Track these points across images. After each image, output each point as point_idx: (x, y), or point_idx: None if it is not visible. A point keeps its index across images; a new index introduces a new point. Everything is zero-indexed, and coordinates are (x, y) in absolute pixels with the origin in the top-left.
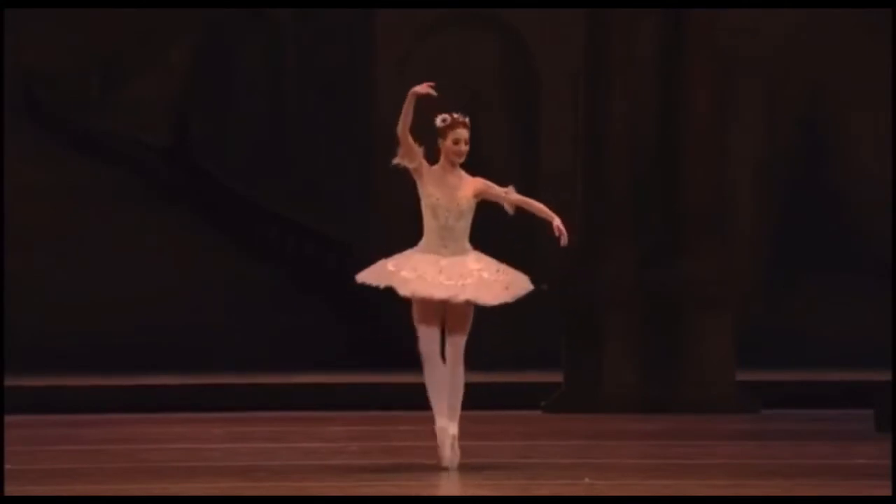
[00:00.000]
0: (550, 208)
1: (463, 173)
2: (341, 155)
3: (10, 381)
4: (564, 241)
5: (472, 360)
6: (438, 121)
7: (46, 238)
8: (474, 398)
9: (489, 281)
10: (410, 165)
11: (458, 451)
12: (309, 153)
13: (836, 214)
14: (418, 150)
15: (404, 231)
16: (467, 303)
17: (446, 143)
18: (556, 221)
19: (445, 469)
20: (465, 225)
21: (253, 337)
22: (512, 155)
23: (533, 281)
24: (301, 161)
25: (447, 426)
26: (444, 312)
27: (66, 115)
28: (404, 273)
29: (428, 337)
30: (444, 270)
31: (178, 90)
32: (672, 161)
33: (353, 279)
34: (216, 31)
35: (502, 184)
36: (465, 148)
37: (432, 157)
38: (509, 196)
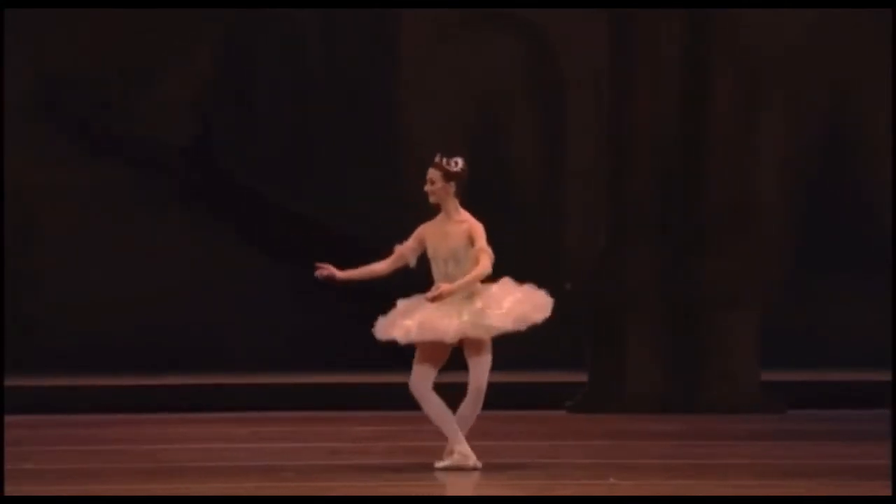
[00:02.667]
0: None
1: (463, 218)
2: (364, 155)
3: (35, 381)
4: (427, 297)
5: (496, 360)
6: (455, 167)
7: (69, 238)
8: (498, 398)
9: (488, 315)
10: (420, 250)
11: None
12: (331, 154)
13: (861, 214)
14: (409, 246)
15: None
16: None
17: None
18: (444, 288)
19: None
20: (463, 270)
21: (278, 336)
22: (536, 155)
23: (560, 281)
24: (323, 161)
25: (466, 451)
26: (443, 356)
27: (85, 116)
28: (407, 322)
29: (418, 378)
30: (445, 313)
31: (199, 91)
32: (696, 161)
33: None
34: (238, 32)
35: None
36: (428, 188)
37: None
38: (475, 255)
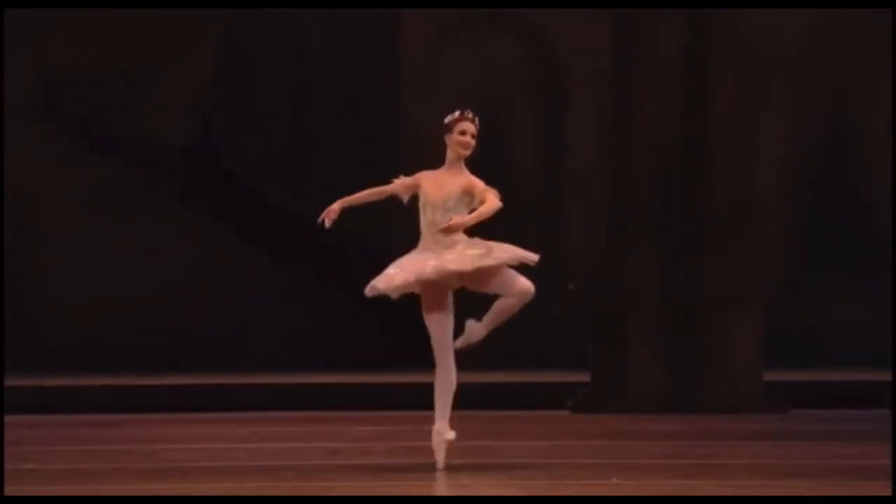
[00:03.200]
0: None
1: (465, 173)
2: (364, 155)
3: (37, 381)
4: (440, 231)
5: (499, 360)
6: (446, 118)
7: (69, 238)
8: (500, 398)
9: (472, 254)
10: (414, 191)
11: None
12: (333, 153)
13: (861, 214)
14: (406, 183)
15: None
16: (456, 274)
17: (453, 136)
18: (456, 219)
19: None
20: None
21: (278, 336)
22: (537, 155)
23: (559, 287)
24: (323, 161)
25: (443, 430)
26: (444, 296)
27: (86, 116)
28: (390, 270)
29: (436, 323)
30: (432, 259)
31: (200, 91)
32: (697, 161)
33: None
34: (239, 32)
35: (529, 185)
36: (470, 140)
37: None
38: (481, 195)
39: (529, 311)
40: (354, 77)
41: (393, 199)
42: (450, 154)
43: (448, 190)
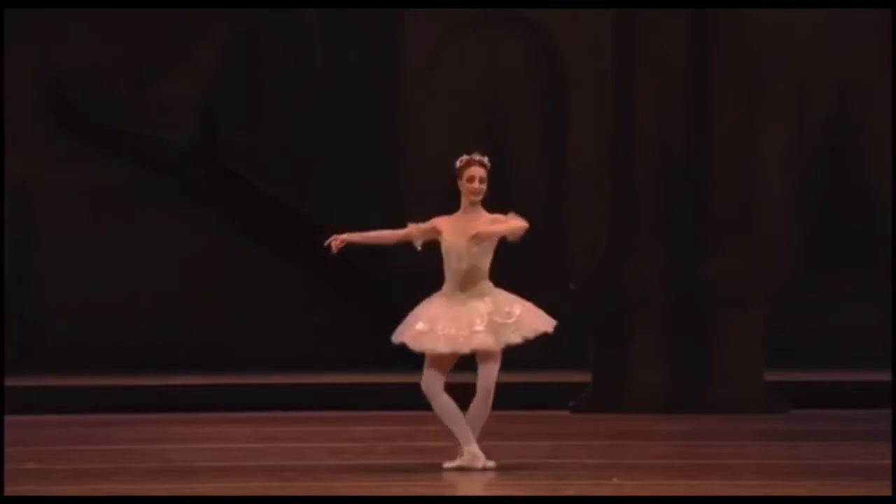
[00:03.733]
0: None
1: (482, 214)
2: (369, 155)
3: (41, 381)
4: (476, 235)
5: (502, 360)
6: (457, 162)
7: (73, 237)
8: (502, 398)
9: (498, 324)
10: (432, 237)
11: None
12: (336, 153)
13: (864, 214)
14: (421, 228)
15: None
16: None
17: (462, 183)
18: (486, 229)
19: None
20: (477, 266)
21: (281, 337)
22: (540, 155)
23: (564, 284)
24: (328, 161)
25: (476, 451)
26: (452, 359)
27: (94, 116)
28: (419, 326)
29: (430, 380)
30: (456, 319)
31: (205, 91)
32: (700, 160)
33: (380, 278)
34: (244, 31)
35: (530, 184)
36: (479, 186)
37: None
38: (505, 226)
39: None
40: (356, 77)
41: (405, 245)
42: (462, 200)
43: (464, 238)
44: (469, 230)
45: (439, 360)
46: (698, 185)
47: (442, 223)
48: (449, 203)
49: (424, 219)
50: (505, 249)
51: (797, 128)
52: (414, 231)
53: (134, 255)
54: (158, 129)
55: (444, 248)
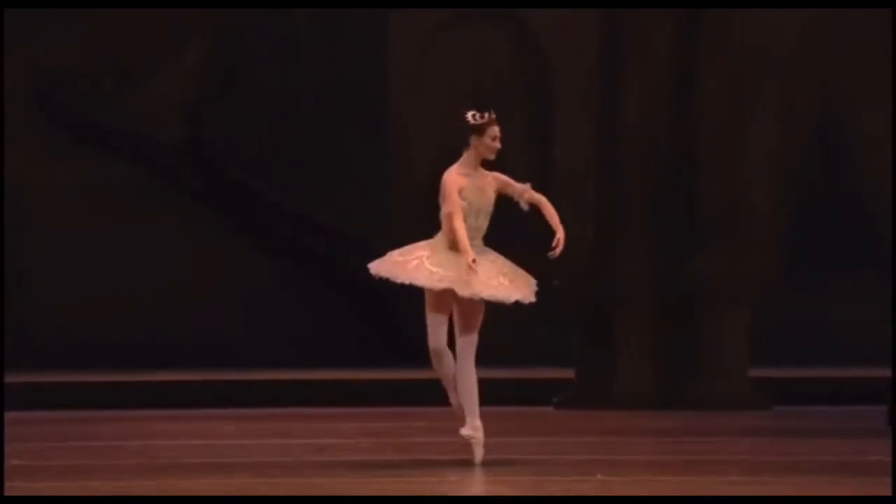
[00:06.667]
0: (560, 217)
1: (486, 172)
2: (355, 152)
3: (25, 378)
4: (555, 254)
5: (484, 356)
6: (473, 118)
7: (61, 235)
8: (486, 395)
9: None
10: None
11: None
12: (323, 151)
13: (851, 213)
14: (460, 201)
15: (419, 227)
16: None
17: (484, 140)
18: (560, 234)
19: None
20: (487, 223)
21: (266, 334)
22: (526, 152)
23: (547, 278)
24: (315, 158)
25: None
26: (453, 305)
27: (78, 113)
28: (435, 267)
29: (437, 329)
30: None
31: (191, 88)
32: (687, 158)
33: (368, 275)
34: (230, 29)
35: (518, 181)
36: (499, 144)
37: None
38: (526, 194)
39: (518, 308)
40: (344, 75)
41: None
42: (474, 155)
43: (489, 195)
44: (488, 189)
45: (442, 305)
46: (685, 184)
47: (462, 183)
48: (434, 201)
49: (412, 213)
50: (492, 245)
51: (785, 126)
52: (461, 205)
53: (120, 251)
54: (144, 127)
55: (468, 206)
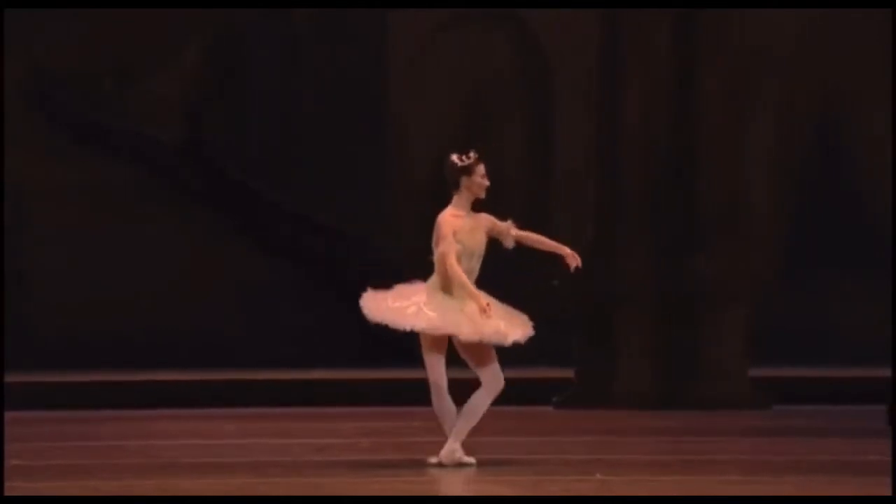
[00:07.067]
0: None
1: (474, 213)
2: (355, 152)
3: (25, 378)
4: (577, 264)
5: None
6: (460, 160)
7: (61, 235)
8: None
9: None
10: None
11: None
12: (323, 151)
13: (851, 212)
14: (455, 245)
15: (418, 227)
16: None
17: (475, 179)
18: (565, 250)
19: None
20: (480, 265)
21: (266, 333)
22: (526, 153)
23: (547, 277)
24: (315, 158)
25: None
26: (458, 346)
27: (78, 113)
28: (431, 314)
29: (439, 371)
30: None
31: (191, 89)
32: (687, 159)
33: (368, 275)
34: (230, 29)
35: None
36: (488, 182)
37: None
38: (512, 231)
39: (517, 307)
40: (343, 75)
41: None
42: (466, 196)
43: (479, 237)
44: (478, 231)
45: (439, 348)
46: (685, 184)
47: (457, 226)
48: (433, 201)
49: (412, 213)
50: (491, 248)
51: (784, 127)
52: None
53: (119, 252)
54: (144, 127)
55: (462, 249)
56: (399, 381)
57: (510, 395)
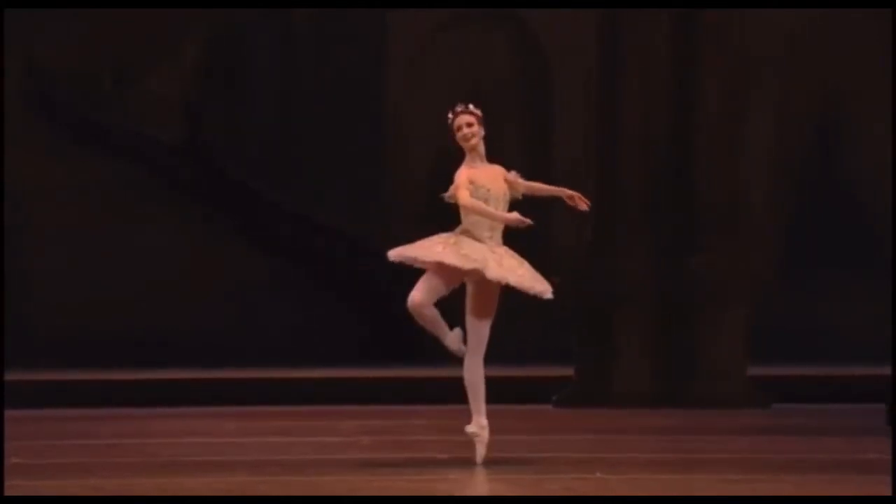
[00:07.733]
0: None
1: (489, 163)
2: (353, 152)
3: (25, 376)
4: (585, 206)
5: (486, 354)
6: (448, 120)
7: (61, 235)
8: (486, 393)
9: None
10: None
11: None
12: (323, 151)
13: (849, 211)
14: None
15: (418, 227)
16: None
17: (456, 137)
18: (567, 192)
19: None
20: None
21: (266, 332)
22: (525, 152)
23: (546, 276)
24: (315, 158)
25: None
26: (468, 290)
27: (78, 113)
28: (464, 251)
29: (429, 289)
30: (494, 257)
31: (191, 89)
32: (686, 157)
33: (368, 275)
34: (230, 29)
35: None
36: (466, 130)
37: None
38: (518, 180)
39: (516, 305)
40: (342, 75)
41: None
42: (467, 150)
43: (501, 183)
44: (498, 178)
45: (443, 281)
46: (684, 182)
47: (473, 174)
48: (432, 201)
49: (411, 213)
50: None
51: (782, 125)
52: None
53: (119, 250)
54: (143, 126)
55: (480, 194)
56: (399, 379)
57: (510, 393)
